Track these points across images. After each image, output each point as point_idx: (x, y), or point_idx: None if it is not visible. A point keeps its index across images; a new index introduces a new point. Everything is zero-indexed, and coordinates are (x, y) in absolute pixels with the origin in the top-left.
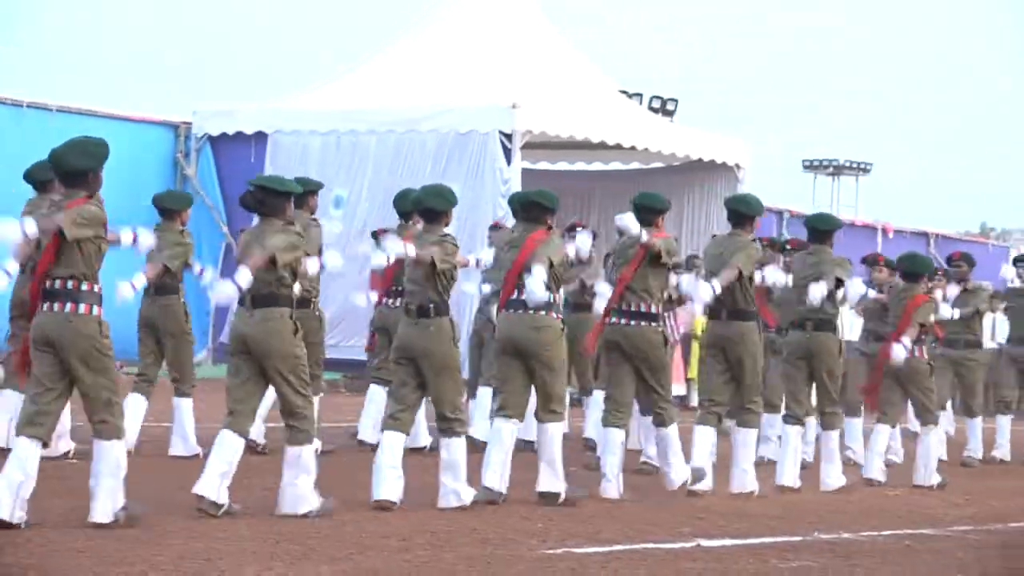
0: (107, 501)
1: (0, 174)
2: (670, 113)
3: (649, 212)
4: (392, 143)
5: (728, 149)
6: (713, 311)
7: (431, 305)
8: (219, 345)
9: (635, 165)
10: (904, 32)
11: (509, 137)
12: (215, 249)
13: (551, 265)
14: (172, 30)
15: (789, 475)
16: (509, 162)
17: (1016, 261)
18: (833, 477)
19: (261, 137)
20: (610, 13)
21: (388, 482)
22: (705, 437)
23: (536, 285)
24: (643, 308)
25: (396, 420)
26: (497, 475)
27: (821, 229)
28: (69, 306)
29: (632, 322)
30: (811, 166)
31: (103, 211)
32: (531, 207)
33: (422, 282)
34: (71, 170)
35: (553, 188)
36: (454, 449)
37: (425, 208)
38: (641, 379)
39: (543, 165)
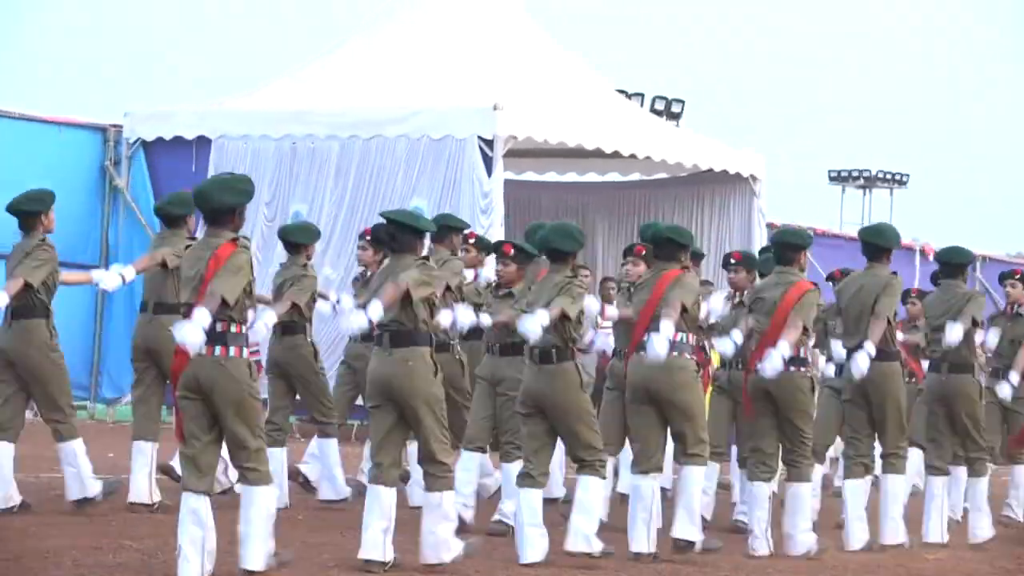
0: (259, 548)
1: None
2: (676, 116)
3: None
4: (356, 150)
5: (743, 158)
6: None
7: (554, 349)
8: None
9: (635, 176)
10: (945, 30)
11: (490, 143)
12: None
13: (684, 309)
14: (99, 20)
15: (935, 529)
16: (490, 172)
17: (1004, 279)
18: (983, 528)
19: (203, 143)
20: (604, 5)
21: (533, 542)
22: (858, 490)
23: (660, 346)
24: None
25: (531, 478)
26: (644, 537)
27: (955, 263)
28: (219, 349)
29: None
30: (839, 178)
31: (249, 253)
32: (664, 244)
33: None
34: (219, 207)
35: (540, 202)
36: (591, 488)
37: (552, 249)
38: (782, 428)
39: (529, 176)
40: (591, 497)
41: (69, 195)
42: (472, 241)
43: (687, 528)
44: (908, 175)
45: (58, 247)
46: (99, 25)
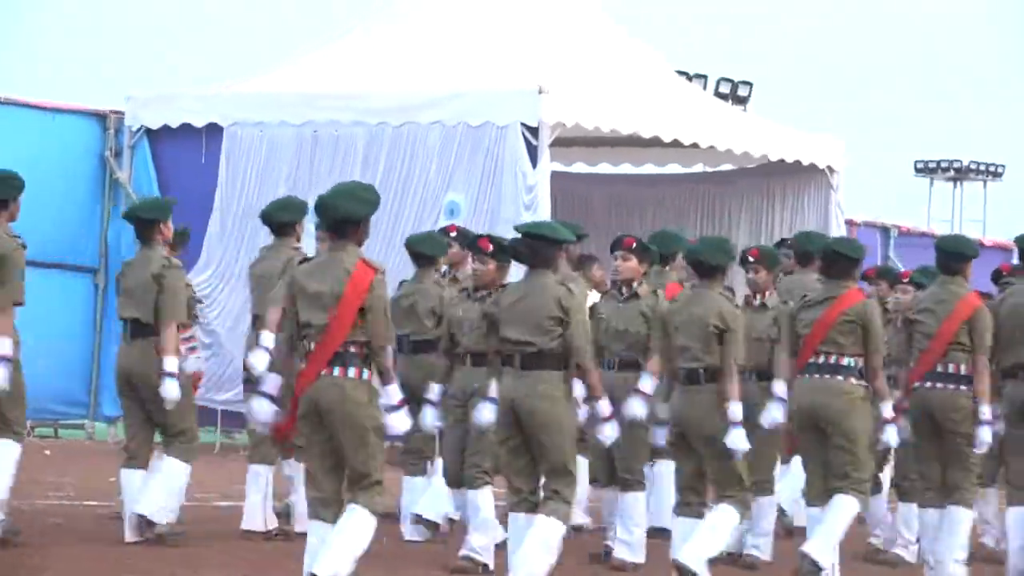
0: (341, 561)
1: None
2: (743, 100)
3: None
4: (385, 138)
5: (818, 147)
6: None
7: (702, 370)
8: None
9: (698, 167)
10: None
11: (535, 131)
12: None
13: (866, 325)
14: None
15: None
16: (535, 163)
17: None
18: None
19: (214, 130)
20: None
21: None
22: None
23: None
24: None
25: (688, 506)
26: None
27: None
28: (338, 370)
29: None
30: (926, 169)
31: (386, 284)
32: (837, 259)
33: (699, 343)
34: (345, 217)
35: (591, 197)
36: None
37: (699, 263)
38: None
39: (579, 167)
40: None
41: (64, 189)
42: (453, 235)
43: (822, 551)
44: (1004, 166)
45: (52, 246)
46: (97, 0)
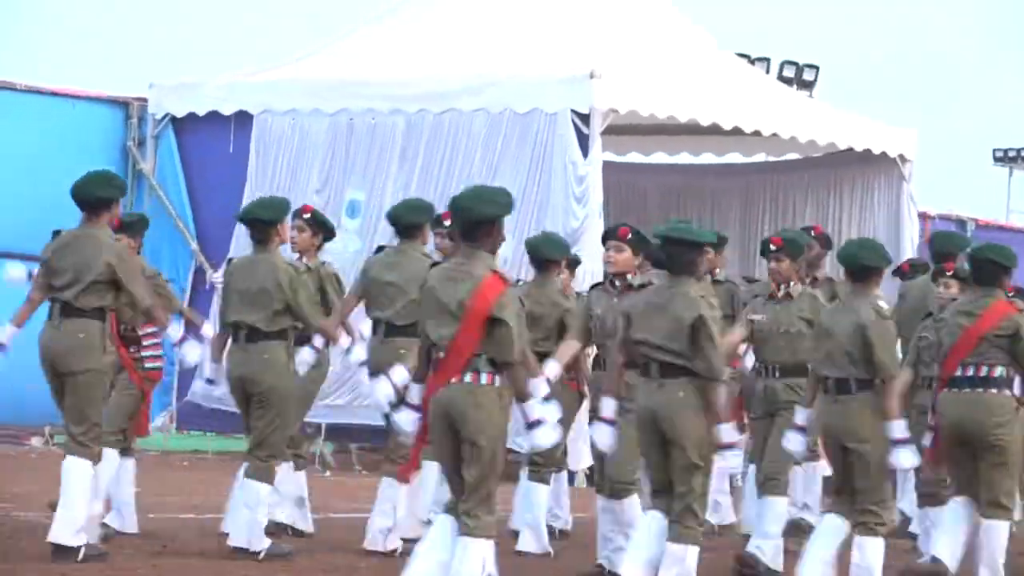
0: None
1: None
2: (808, 85)
3: None
4: (425, 126)
5: (889, 135)
6: None
7: (852, 381)
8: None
9: (760, 156)
10: None
11: (586, 118)
12: (181, 272)
13: (1018, 338)
14: None
15: None
16: (586, 152)
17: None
18: None
19: (243, 119)
20: None
21: None
22: None
23: None
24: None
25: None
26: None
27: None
28: (469, 376)
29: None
30: (1005, 158)
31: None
32: (985, 265)
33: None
34: (479, 220)
35: (645, 188)
36: (870, 550)
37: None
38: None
39: (633, 157)
40: (871, 561)
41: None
42: (448, 224)
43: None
44: None
45: None
46: None
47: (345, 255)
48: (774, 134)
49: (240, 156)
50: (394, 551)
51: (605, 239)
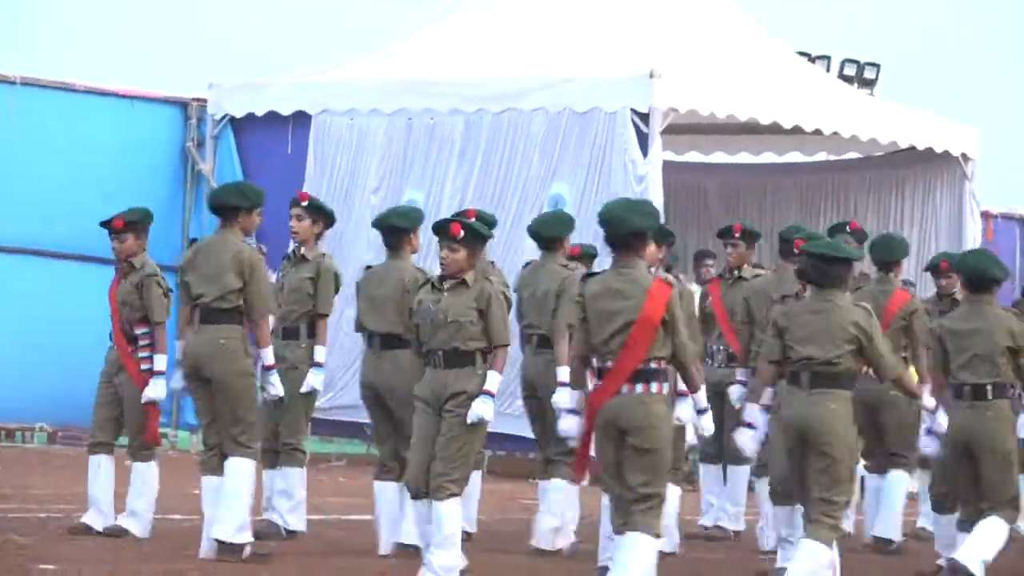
0: None
1: None
2: (869, 83)
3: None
4: (484, 126)
5: (952, 133)
6: None
7: (989, 386)
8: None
9: (821, 156)
10: None
11: (645, 118)
12: None
13: None
14: None
15: None
16: (645, 152)
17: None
18: None
19: (302, 119)
20: None
21: None
22: None
23: None
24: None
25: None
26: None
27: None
28: (640, 387)
29: None
30: None
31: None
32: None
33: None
34: (634, 231)
35: (705, 188)
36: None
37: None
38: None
39: (692, 156)
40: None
41: (144, 182)
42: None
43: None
44: None
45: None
46: None
47: None
48: (835, 133)
49: (298, 156)
50: (560, 551)
51: (722, 236)
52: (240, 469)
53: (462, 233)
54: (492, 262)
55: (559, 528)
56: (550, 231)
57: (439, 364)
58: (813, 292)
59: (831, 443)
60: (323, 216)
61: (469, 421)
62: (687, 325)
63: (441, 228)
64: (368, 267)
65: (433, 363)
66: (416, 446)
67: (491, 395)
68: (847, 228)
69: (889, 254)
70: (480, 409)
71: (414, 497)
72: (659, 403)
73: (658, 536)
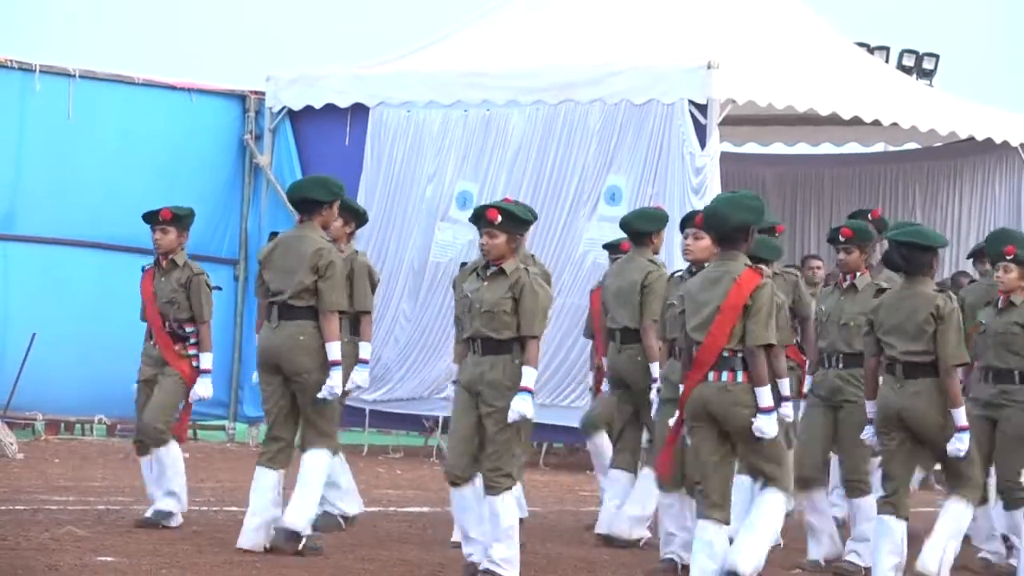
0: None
1: (7, 151)
2: (928, 74)
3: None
4: (540, 118)
5: (1011, 124)
6: None
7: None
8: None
9: (879, 146)
10: None
11: (703, 109)
12: None
13: None
14: None
15: None
16: (703, 143)
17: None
18: None
19: (360, 111)
20: None
21: None
22: None
23: None
24: None
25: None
26: None
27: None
28: (726, 375)
29: None
30: None
31: (772, 285)
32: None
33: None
34: (737, 225)
35: (764, 179)
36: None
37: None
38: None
39: (751, 148)
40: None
41: (202, 175)
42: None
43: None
44: None
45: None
46: None
47: (455, 246)
48: (894, 124)
49: (356, 148)
50: (639, 540)
51: (683, 226)
52: (318, 462)
53: (499, 218)
54: (532, 255)
55: (641, 518)
56: (641, 225)
57: (477, 351)
58: (903, 281)
59: (930, 432)
60: (354, 215)
61: (510, 420)
62: (771, 316)
63: (479, 215)
64: (463, 264)
65: (472, 350)
66: (454, 434)
67: (529, 391)
68: (868, 216)
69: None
70: (520, 407)
71: (453, 484)
72: (746, 392)
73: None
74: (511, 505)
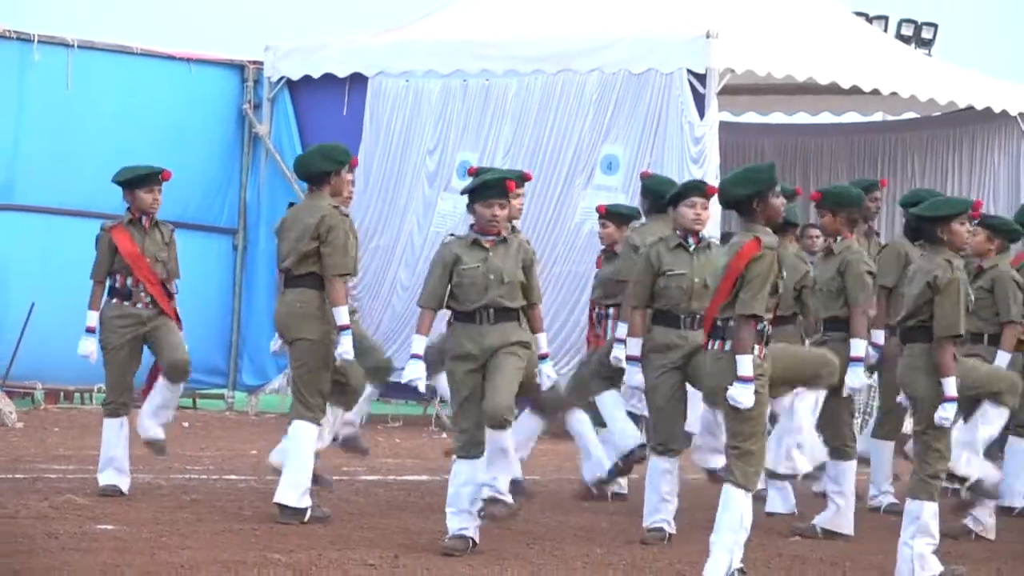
0: (723, 558)
1: (6, 122)
2: (927, 43)
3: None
4: (537, 88)
5: (1010, 93)
6: None
7: None
8: None
9: (878, 116)
10: None
11: (702, 78)
12: None
13: None
14: None
15: None
16: (702, 113)
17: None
18: None
19: (358, 81)
20: None
21: None
22: None
23: None
24: None
25: None
26: None
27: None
28: (717, 344)
29: None
30: None
31: (772, 254)
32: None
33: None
34: (735, 199)
35: (762, 148)
36: None
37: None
38: None
39: (750, 117)
40: None
41: (201, 144)
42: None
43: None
44: None
45: (188, 206)
46: None
47: (455, 216)
48: (893, 93)
49: (355, 118)
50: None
51: (688, 195)
52: (302, 433)
53: (515, 188)
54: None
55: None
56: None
57: (486, 320)
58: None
59: (922, 397)
60: None
61: (544, 388)
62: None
63: (497, 184)
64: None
65: (478, 319)
66: (469, 410)
67: (547, 356)
68: (879, 187)
69: None
70: (549, 371)
71: (468, 457)
72: (731, 360)
73: (749, 489)
74: (511, 437)
